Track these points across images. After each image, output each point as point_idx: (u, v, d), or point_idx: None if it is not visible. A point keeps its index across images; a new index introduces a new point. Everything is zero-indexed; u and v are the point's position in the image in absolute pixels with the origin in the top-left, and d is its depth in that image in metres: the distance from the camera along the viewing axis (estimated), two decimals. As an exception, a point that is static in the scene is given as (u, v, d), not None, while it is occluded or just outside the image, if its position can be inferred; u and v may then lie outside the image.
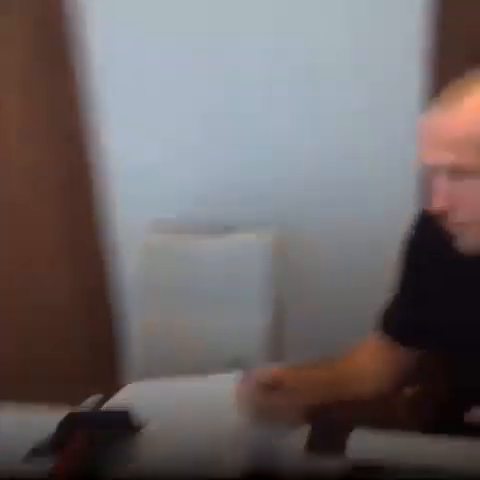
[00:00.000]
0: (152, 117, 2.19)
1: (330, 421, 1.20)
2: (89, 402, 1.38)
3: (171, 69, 2.13)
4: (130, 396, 1.43)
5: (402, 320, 1.30)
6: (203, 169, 2.19)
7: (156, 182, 2.25)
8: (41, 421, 1.24)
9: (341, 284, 2.19)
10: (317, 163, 2.14)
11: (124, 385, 1.50)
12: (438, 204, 1.07)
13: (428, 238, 1.22)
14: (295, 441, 1.15)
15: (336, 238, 2.18)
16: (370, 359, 1.31)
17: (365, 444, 1.14)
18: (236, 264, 1.91)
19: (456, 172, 1.05)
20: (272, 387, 1.09)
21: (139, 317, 1.97)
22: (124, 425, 1.21)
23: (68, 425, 1.19)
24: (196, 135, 2.17)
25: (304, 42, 2.03)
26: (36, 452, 1.18)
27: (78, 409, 1.30)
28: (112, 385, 1.50)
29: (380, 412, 1.30)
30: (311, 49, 2.03)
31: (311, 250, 2.16)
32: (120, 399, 1.41)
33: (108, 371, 2.26)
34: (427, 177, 1.11)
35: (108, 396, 1.42)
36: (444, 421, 1.28)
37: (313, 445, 1.15)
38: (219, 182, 2.18)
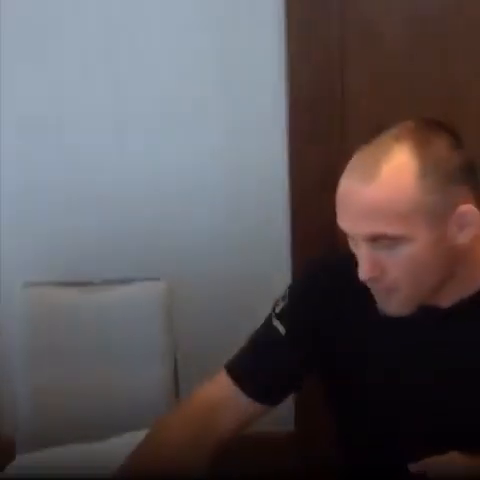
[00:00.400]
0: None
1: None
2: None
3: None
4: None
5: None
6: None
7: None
8: None
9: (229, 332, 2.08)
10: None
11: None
12: (365, 275, 1.08)
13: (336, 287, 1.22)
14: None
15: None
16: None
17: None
18: (123, 318, 1.86)
19: (377, 241, 1.06)
20: None
21: (26, 383, 1.87)
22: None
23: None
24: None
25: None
26: None
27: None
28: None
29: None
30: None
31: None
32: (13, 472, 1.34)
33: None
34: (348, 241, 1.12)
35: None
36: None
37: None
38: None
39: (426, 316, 1.12)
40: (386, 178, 1.03)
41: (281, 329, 1.20)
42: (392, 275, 1.07)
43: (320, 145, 2.00)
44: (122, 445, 1.22)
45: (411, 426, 1.16)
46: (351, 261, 1.13)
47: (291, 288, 1.25)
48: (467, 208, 1.06)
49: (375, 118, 1.95)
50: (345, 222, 1.07)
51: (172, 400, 1.81)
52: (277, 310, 1.22)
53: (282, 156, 2.04)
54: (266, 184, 2.08)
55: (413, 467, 1.07)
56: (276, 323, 1.21)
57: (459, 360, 1.13)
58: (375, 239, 1.05)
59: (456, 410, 1.13)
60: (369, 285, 1.10)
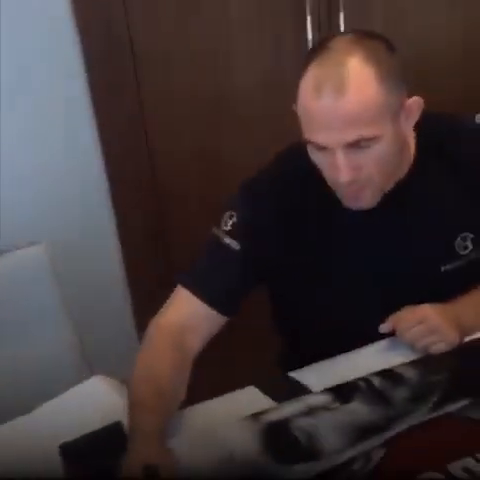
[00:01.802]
0: None
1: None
2: None
3: None
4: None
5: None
6: None
7: None
8: None
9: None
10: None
11: None
12: (347, 178, 1.18)
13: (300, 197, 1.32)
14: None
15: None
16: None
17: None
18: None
19: (355, 144, 1.16)
20: None
21: None
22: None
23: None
24: None
25: None
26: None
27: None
28: None
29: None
30: None
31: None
32: None
33: None
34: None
35: None
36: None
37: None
38: None
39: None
40: (354, 89, 1.13)
41: (235, 245, 1.30)
42: (367, 172, 1.20)
43: (119, 96, 2.04)
44: (47, 414, 1.23)
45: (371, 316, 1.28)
46: (293, 175, 1.29)
47: (238, 206, 1.33)
48: (412, 101, 1.21)
49: (168, 67, 2.04)
50: (323, 135, 1.16)
51: (78, 362, 1.71)
52: (226, 228, 1.31)
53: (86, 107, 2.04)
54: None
55: (383, 327, 1.26)
56: (228, 240, 1.31)
57: (402, 242, 1.30)
58: (353, 144, 1.16)
59: (406, 282, 1.30)
60: (344, 187, 1.22)
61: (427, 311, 1.26)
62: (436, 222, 1.31)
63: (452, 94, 2.22)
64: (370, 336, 1.31)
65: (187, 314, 1.30)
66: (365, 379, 1.23)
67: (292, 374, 1.29)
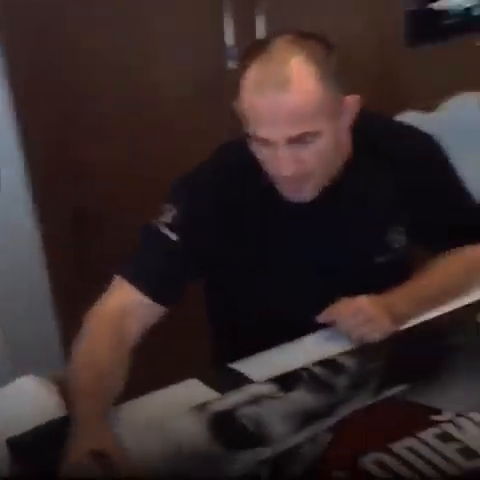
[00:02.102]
0: None
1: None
2: None
3: None
4: None
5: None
6: None
7: None
8: None
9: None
10: None
11: None
12: (289, 171, 1.23)
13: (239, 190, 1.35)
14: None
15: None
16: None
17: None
18: None
19: (297, 139, 1.21)
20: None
21: None
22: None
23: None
24: None
25: None
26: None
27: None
28: None
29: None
30: None
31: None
32: None
33: None
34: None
35: None
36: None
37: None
38: None
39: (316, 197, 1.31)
40: (297, 86, 1.17)
41: (173, 237, 1.32)
42: (308, 166, 1.25)
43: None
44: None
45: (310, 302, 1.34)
46: (234, 167, 1.33)
47: (178, 199, 1.35)
48: (350, 98, 1.26)
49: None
50: (268, 130, 1.20)
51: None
52: (166, 220, 1.33)
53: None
54: None
55: (320, 318, 1.30)
56: (166, 231, 1.33)
57: (339, 234, 1.35)
58: (296, 139, 1.20)
59: (343, 273, 1.36)
60: (286, 181, 1.27)
61: (362, 302, 1.30)
62: (370, 216, 1.36)
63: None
64: (308, 326, 1.34)
65: (125, 302, 1.31)
66: (306, 369, 1.26)
67: (233, 365, 1.31)
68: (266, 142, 1.23)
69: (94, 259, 2.14)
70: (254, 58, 1.21)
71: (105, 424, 1.10)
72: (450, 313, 1.36)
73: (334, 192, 1.33)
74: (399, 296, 1.35)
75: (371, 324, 1.30)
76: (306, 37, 1.23)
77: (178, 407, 1.20)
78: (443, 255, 1.41)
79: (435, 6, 2.53)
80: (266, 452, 1.09)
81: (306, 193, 1.30)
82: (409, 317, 1.35)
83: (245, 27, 2.14)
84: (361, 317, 1.30)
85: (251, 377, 1.26)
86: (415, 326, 1.34)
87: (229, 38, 2.12)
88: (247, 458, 1.08)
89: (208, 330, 1.57)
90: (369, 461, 1.04)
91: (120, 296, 1.31)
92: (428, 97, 2.30)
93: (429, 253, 1.44)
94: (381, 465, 1.04)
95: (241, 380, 1.26)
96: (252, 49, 1.24)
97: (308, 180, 1.28)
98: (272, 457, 1.07)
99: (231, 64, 2.11)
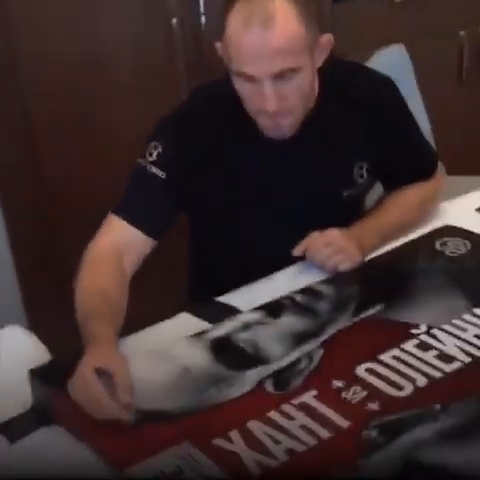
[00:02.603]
0: None
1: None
2: None
3: None
4: None
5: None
6: None
7: None
8: None
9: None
10: None
11: None
12: (273, 107, 1.31)
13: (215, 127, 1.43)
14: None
15: None
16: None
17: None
18: None
19: (281, 75, 1.29)
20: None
21: None
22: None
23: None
24: None
25: None
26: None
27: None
28: None
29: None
30: None
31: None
32: None
33: None
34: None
35: None
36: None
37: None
38: None
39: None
40: (281, 24, 1.26)
41: (161, 174, 1.42)
42: (290, 102, 1.34)
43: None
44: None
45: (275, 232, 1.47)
46: (212, 106, 1.42)
47: (162, 137, 1.44)
48: (324, 37, 1.37)
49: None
50: (253, 66, 1.28)
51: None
52: (152, 158, 1.42)
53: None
54: None
55: (295, 251, 1.42)
56: (154, 170, 1.42)
57: (310, 168, 1.46)
58: (279, 74, 1.29)
59: (316, 204, 1.48)
60: (269, 116, 1.35)
61: (333, 234, 1.42)
62: (337, 152, 1.48)
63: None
64: (283, 258, 1.44)
65: (120, 237, 1.40)
66: (289, 297, 1.37)
67: (219, 298, 1.40)
68: (251, 78, 1.30)
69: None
70: None
71: (113, 346, 1.18)
72: (412, 242, 1.50)
73: (304, 129, 1.43)
74: (364, 229, 1.48)
75: (342, 254, 1.42)
76: None
77: (175, 338, 1.28)
78: (399, 190, 1.55)
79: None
80: (268, 369, 1.19)
81: (286, 129, 1.39)
82: (374, 248, 1.48)
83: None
84: (333, 248, 1.41)
85: (238, 307, 1.36)
86: (384, 254, 1.47)
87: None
88: (252, 376, 1.18)
89: (187, 265, 1.65)
90: (362, 369, 1.17)
91: (115, 232, 1.40)
92: (353, 50, 2.44)
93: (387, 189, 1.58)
94: (372, 372, 1.16)
95: (230, 310, 1.36)
96: None
97: (289, 116, 1.37)
98: (275, 372, 1.18)
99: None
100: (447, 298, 1.33)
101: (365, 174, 1.51)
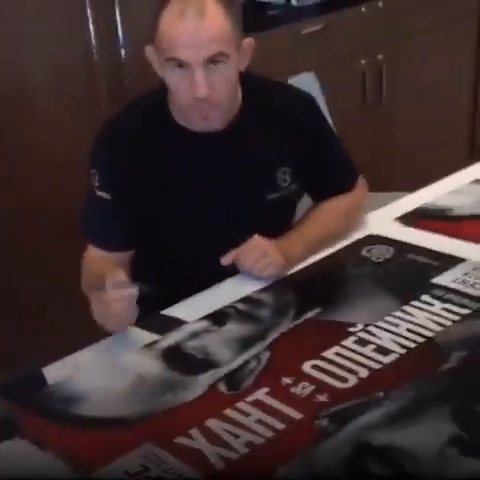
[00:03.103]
0: None
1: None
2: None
3: None
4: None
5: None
6: None
7: None
8: None
9: None
10: None
11: None
12: (204, 93, 1.39)
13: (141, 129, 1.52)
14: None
15: None
16: None
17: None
18: None
19: (212, 62, 1.39)
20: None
21: None
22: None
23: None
24: None
25: None
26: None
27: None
28: None
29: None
30: None
31: None
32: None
33: None
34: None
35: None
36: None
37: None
38: None
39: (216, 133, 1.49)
40: (212, 14, 1.38)
41: (106, 196, 1.53)
42: (219, 91, 1.41)
43: None
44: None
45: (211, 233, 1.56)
46: (142, 121, 1.51)
47: (97, 162, 1.53)
48: (248, 41, 1.47)
49: None
50: (187, 51, 1.37)
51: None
52: (96, 184, 1.53)
53: None
54: None
55: (224, 260, 1.49)
56: (101, 193, 1.53)
57: (235, 172, 1.54)
58: (212, 59, 1.38)
59: (242, 205, 1.56)
60: (199, 105, 1.41)
61: (257, 240, 1.50)
62: (260, 158, 1.56)
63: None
64: (213, 264, 1.50)
65: (100, 254, 1.57)
66: (231, 306, 1.44)
67: (163, 312, 1.46)
68: (184, 64, 1.39)
69: None
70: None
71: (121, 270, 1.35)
72: (340, 250, 1.60)
73: (230, 134, 1.51)
74: (289, 240, 1.56)
75: (267, 259, 1.49)
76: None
77: (127, 350, 1.33)
78: (324, 202, 1.65)
79: (260, -2, 2.81)
80: (220, 372, 1.26)
81: (214, 122, 1.47)
82: (300, 258, 1.56)
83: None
84: (257, 252, 1.49)
85: (183, 319, 1.42)
86: (315, 263, 1.56)
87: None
88: (205, 379, 1.24)
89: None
90: (308, 366, 1.25)
91: (94, 250, 1.58)
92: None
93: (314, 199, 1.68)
94: (317, 368, 1.25)
95: (176, 322, 1.41)
96: None
97: (216, 108, 1.44)
98: (227, 374, 1.25)
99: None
100: (378, 298, 1.43)
101: (289, 178, 1.59)
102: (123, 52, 2.27)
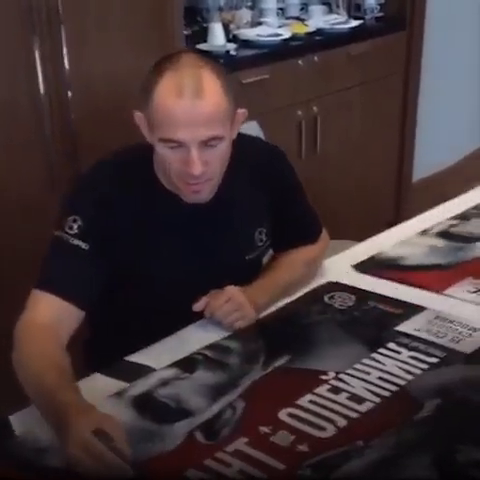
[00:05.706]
0: None
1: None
2: None
3: None
4: None
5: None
6: None
7: None
8: None
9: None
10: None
11: None
12: (199, 171, 1.37)
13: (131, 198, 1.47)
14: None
15: None
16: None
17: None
18: None
19: (207, 142, 1.37)
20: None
21: None
22: None
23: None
24: None
25: None
26: None
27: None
28: None
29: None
30: None
31: None
32: None
33: None
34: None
35: None
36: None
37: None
38: None
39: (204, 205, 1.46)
40: (209, 95, 1.34)
41: (84, 245, 1.42)
42: (212, 168, 1.40)
43: None
44: None
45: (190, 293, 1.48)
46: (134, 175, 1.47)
47: (81, 210, 1.44)
48: (240, 111, 1.45)
49: None
50: (185, 132, 1.34)
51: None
52: (72, 231, 1.42)
53: None
54: None
55: (196, 306, 1.48)
56: (77, 242, 1.42)
57: (218, 238, 1.53)
58: (206, 141, 1.36)
59: (223, 267, 1.53)
60: (192, 181, 1.40)
61: (232, 291, 1.49)
62: (241, 220, 1.56)
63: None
64: (187, 315, 1.49)
65: (50, 313, 1.38)
66: (199, 353, 1.42)
67: (128, 358, 1.42)
68: (180, 144, 1.36)
69: None
70: (166, 70, 1.36)
71: (95, 409, 1.17)
72: (303, 297, 1.61)
73: (215, 203, 1.49)
74: (258, 289, 1.56)
75: (239, 312, 1.49)
76: (202, 54, 1.44)
77: (95, 398, 1.28)
78: (289, 252, 1.66)
79: (201, 47, 2.83)
80: (195, 421, 1.23)
81: (205, 194, 1.45)
82: (266, 306, 1.56)
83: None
84: (233, 304, 1.48)
85: (150, 366, 1.39)
86: (279, 310, 1.56)
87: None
88: (182, 428, 1.21)
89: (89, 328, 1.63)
90: (284, 414, 1.24)
91: (44, 308, 1.39)
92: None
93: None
94: (294, 416, 1.24)
95: (143, 369, 1.38)
96: (161, 63, 1.38)
97: (208, 182, 1.43)
98: (203, 423, 1.22)
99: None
100: (346, 346, 1.43)
101: (264, 238, 1.60)
102: (69, 93, 2.23)
